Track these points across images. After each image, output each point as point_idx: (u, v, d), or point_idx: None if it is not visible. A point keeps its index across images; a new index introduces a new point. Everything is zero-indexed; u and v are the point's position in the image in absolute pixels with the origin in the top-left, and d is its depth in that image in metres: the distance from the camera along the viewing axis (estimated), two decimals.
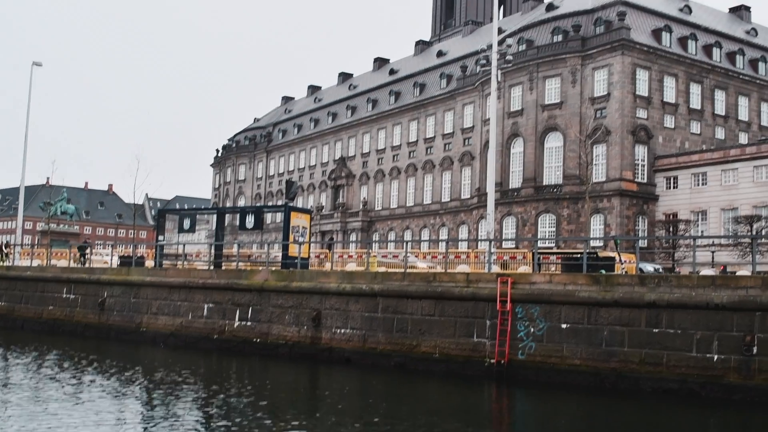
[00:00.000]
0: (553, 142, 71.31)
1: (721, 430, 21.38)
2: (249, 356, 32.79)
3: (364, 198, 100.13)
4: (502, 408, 24.41)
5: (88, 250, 49.71)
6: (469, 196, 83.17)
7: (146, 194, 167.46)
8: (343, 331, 31.34)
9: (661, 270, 29.56)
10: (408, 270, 31.70)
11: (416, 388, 26.65)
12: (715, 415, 22.25)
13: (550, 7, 79.90)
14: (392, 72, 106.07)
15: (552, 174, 71.12)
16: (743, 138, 74.34)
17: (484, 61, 41.89)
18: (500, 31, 45.10)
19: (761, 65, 78.64)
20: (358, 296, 31.34)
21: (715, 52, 75.02)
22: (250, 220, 39.70)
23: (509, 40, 42.25)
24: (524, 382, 26.34)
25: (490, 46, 40.63)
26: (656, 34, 71.31)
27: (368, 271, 33.71)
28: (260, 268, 37.30)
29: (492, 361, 27.20)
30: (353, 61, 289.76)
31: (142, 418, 20.41)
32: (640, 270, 32.83)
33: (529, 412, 23.92)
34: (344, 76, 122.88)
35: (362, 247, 64.20)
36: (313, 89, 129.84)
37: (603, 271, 27.89)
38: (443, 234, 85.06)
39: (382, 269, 34.99)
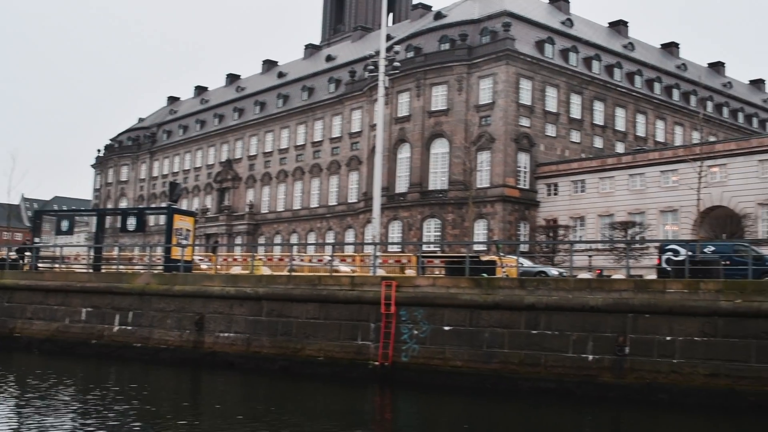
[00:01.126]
0: (439, 148, 72.38)
1: (595, 427, 22.11)
2: (129, 362, 31.96)
3: (251, 201, 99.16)
4: (385, 410, 24.58)
5: None
6: (356, 200, 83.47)
7: (22, 194, 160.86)
8: (226, 335, 30.94)
9: (564, 274, 30.35)
10: (294, 273, 31.58)
11: (300, 391, 26.55)
12: (589, 413, 23.01)
13: (439, 16, 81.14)
14: (281, 75, 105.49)
15: (438, 179, 72.17)
16: (620, 147, 77.27)
17: (372, 67, 42.18)
18: (389, 37, 45.54)
19: (637, 78, 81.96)
20: (242, 300, 31.01)
21: (595, 64, 77.75)
22: (131, 222, 38.74)
23: (397, 47, 42.75)
24: (407, 384, 26.61)
25: (378, 52, 40.94)
26: (539, 45, 73.36)
27: (253, 274, 33.40)
28: (142, 271, 36.44)
29: (376, 363, 27.37)
30: (241, 62, 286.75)
31: (9, 428, 19.57)
32: (544, 273, 33.63)
33: (411, 413, 24.18)
34: (232, 78, 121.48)
35: (247, 251, 63.51)
36: (200, 90, 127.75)
37: (485, 275, 28.45)
38: (330, 238, 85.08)
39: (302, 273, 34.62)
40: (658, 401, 23.18)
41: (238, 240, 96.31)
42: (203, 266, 40.73)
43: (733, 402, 22.45)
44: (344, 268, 38.54)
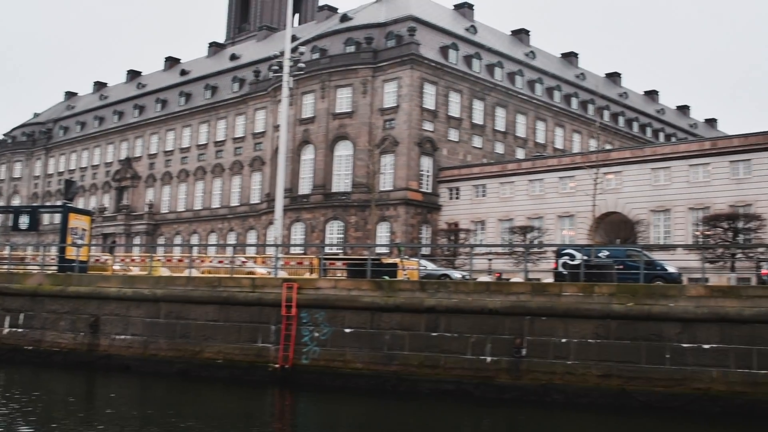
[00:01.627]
0: (343, 150, 72.43)
1: (492, 428, 22.47)
2: (20, 365, 30.87)
3: (150, 200, 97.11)
4: (285, 412, 24.42)
5: None
6: (258, 201, 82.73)
7: None
8: (123, 337, 30.21)
9: (467, 277, 30.72)
10: (193, 275, 31.08)
11: (198, 394, 26.15)
12: (487, 414, 23.36)
13: (345, 18, 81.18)
14: (184, 73, 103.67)
15: (341, 181, 72.19)
16: (520, 153, 78.89)
17: (276, 67, 41.86)
18: (294, 38, 45.23)
19: (538, 86, 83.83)
20: (139, 301, 30.36)
21: (497, 71, 79.16)
22: (24, 221, 37.42)
23: (303, 48, 42.53)
24: (308, 386, 26.51)
25: (283, 53, 40.68)
26: (444, 51, 74.22)
27: (151, 275, 32.71)
28: (34, 271, 35.25)
29: (276, 366, 27.18)
30: (143, 59, 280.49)
31: None
32: (448, 276, 33.94)
33: (311, 415, 24.09)
34: (133, 74, 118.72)
35: (146, 251, 62.16)
36: (99, 86, 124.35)
37: (386, 277, 28.58)
38: (231, 239, 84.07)
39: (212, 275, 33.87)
40: (553, 402, 23.73)
41: (137, 240, 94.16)
42: (116, 267, 39.50)
43: (624, 402, 23.17)
44: (260, 270, 38.12)
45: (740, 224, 50.22)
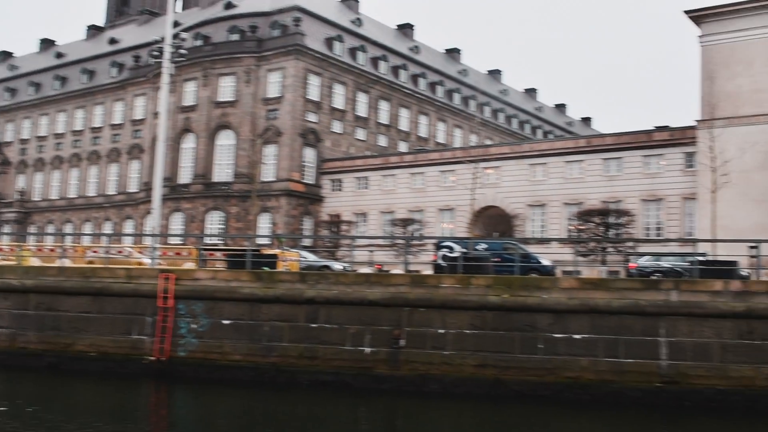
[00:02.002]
0: (225, 139, 71.41)
1: (370, 418, 22.62)
2: None
3: (21, 188, 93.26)
4: (160, 406, 23.92)
5: None
6: (136, 190, 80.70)
7: None
8: None
9: (348, 269, 30.78)
10: (65, 265, 30.00)
11: (69, 388, 25.29)
12: (365, 404, 23.51)
13: (229, 6, 79.96)
14: (59, 55, 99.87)
15: (223, 171, 71.20)
16: (403, 147, 79.68)
17: (157, 53, 40.82)
18: (177, 24, 44.31)
19: (421, 81, 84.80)
20: (7, 292, 29.07)
21: (382, 64, 79.62)
22: None
23: (185, 34, 41.60)
24: (185, 379, 26.00)
25: (164, 38, 39.71)
26: (329, 42, 74.11)
27: (20, 265, 31.40)
28: None
29: (152, 358, 26.55)
30: (16, 41, 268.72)
31: None
32: (329, 268, 33.87)
33: (187, 408, 23.68)
34: (4, 56, 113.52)
35: (15, 240, 59.69)
36: None
37: (266, 269, 28.35)
38: (108, 228, 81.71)
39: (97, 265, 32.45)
40: (431, 392, 24.07)
41: (6, 229, 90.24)
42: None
43: (499, 391, 23.72)
44: (146, 260, 36.90)
45: (611, 219, 52.20)
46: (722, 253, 33.24)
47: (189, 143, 73.18)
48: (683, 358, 23.07)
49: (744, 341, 22.92)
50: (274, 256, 30.80)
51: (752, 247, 27.85)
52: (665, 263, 33.74)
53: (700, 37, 51.00)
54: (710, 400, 22.41)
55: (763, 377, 22.49)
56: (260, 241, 61.05)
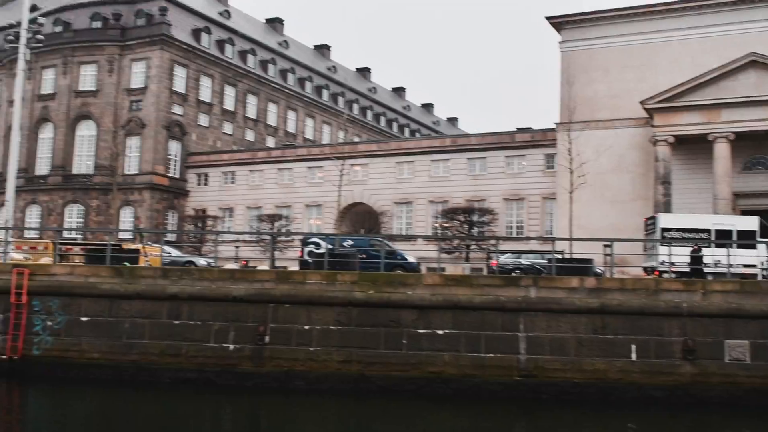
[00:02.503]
0: (86, 130, 68.95)
1: (233, 414, 22.35)
2: None
3: None
4: (12, 407, 22.84)
5: None
6: None
7: None
8: None
9: (212, 264, 30.19)
10: None
11: None
12: (229, 401, 23.22)
13: None
14: None
15: (83, 163, 68.73)
16: (270, 142, 79.07)
17: (12, 38, 38.92)
18: (34, 8, 42.34)
19: (290, 76, 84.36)
20: None
21: (250, 58, 78.69)
22: None
23: (43, 19, 39.84)
24: (39, 378, 24.98)
25: (20, 22, 37.93)
26: (196, 33, 72.66)
27: None
28: None
29: (3, 357, 25.36)
30: None
31: None
32: (193, 263, 33.14)
33: (41, 409, 22.72)
34: None
35: None
36: None
37: (127, 264, 27.57)
38: None
39: None
40: (296, 388, 24.01)
41: None
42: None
43: (364, 386, 23.87)
44: (17, 256, 35.04)
45: (475, 217, 53.46)
46: (579, 251, 34.60)
47: (47, 133, 70.26)
48: (541, 353, 23.88)
49: (598, 336, 23.93)
50: (136, 251, 30.00)
51: (606, 246, 29.15)
52: (525, 261, 34.85)
53: (560, 42, 52.89)
54: (566, 392, 23.28)
55: (616, 370, 23.55)
56: (122, 235, 59.31)
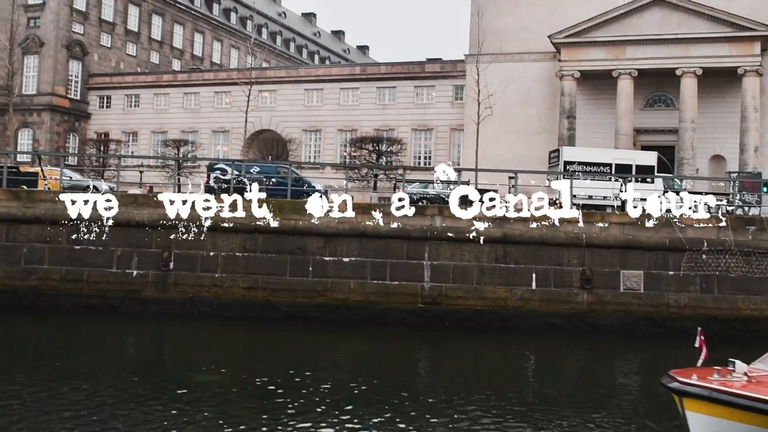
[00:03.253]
0: None
1: (137, 339, 22.17)
2: None
3: None
4: None
5: None
6: None
7: None
8: None
9: (115, 189, 29.36)
10: None
11: None
12: (132, 327, 23.03)
13: None
14: None
15: None
16: (176, 65, 76.91)
17: None
18: None
19: None
20: None
21: None
22: None
23: None
24: None
25: None
26: None
27: None
28: None
29: None
30: None
31: None
32: (95, 188, 32.05)
33: None
34: None
35: None
36: None
37: (24, 187, 26.72)
38: None
39: None
40: (200, 314, 23.98)
41: None
42: None
43: (270, 312, 24.01)
44: None
45: (383, 147, 53.53)
46: (484, 182, 35.10)
47: None
48: (445, 281, 24.36)
49: (500, 264, 24.53)
50: (35, 174, 29.05)
51: (511, 177, 29.65)
52: (432, 191, 35.19)
53: None
54: (468, 319, 23.89)
55: (516, 298, 24.26)
56: (20, 158, 57.25)
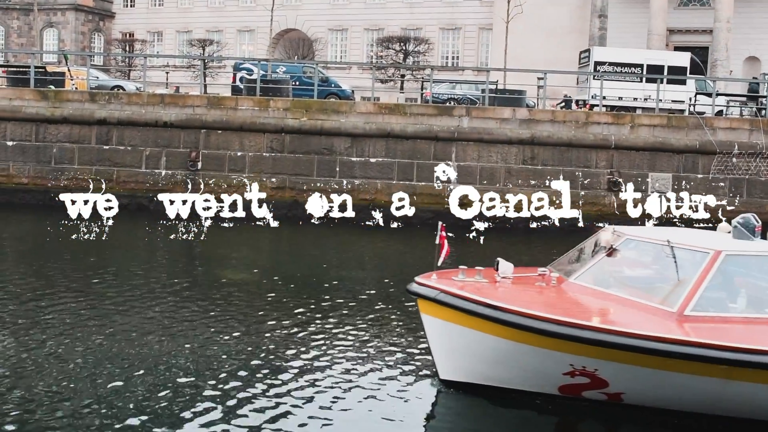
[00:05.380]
0: None
1: (165, 238, 22.49)
2: None
3: None
4: None
5: None
6: None
7: None
8: None
9: (141, 89, 29.27)
10: None
11: None
12: (163, 226, 23.31)
13: None
14: None
15: None
16: None
17: None
18: None
19: None
20: None
21: None
22: None
23: None
24: None
25: None
26: None
27: None
28: None
29: None
30: None
31: None
32: (122, 88, 32.06)
33: None
34: None
35: None
36: None
37: (52, 87, 26.77)
38: None
39: None
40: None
41: None
42: None
43: (296, 213, 24.17)
44: None
45: (410, 47, 52.79)
46: (512, 83, 34.65)
47: None
48: (471, 182, 24.36)
49: (527, 166, 24.45)
50: (62, 74, 29.04)
51: (539, 78, 29.23)
52: (459, 91, 34.85)
53: None
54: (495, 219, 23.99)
55: (537, 199, 24.22)
56: (46, 58, 57.16)
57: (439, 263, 9.74)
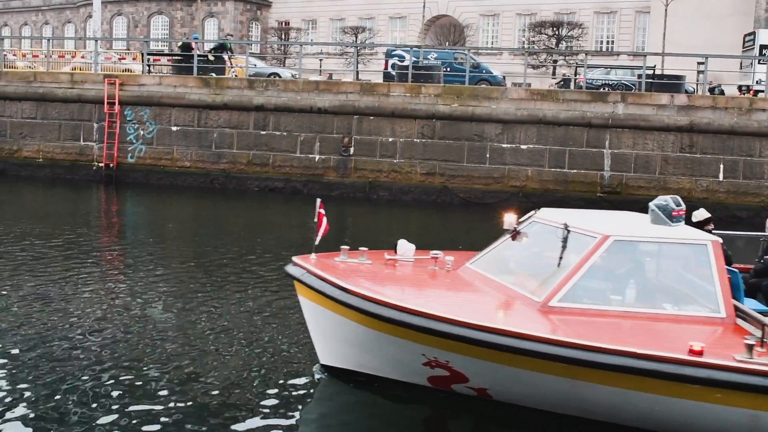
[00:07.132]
0: None
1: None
2: None
3: None
4: (112, 210, 23.98)
5: None
6: None
7: None
8: None
9: (297, 76, 30.12)
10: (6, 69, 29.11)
11: (19, 193, 25.20)
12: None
13: None
14: None
15: None
16: None
17: None
18: None
19: None
20: None
21: None
22: None
23: None
24: (135, 185, 26.16)
25: None
26: None
27: None
28: None
29: (101, 164, 26.54)
30: None
31: None
32: (278, 75, 33.16)
33: (139, 212, 23.82)
34: None
35: None
36: None
37: (213, 75, 27.90)
38: (47, 33, 78.71)
39: None
40: (379, 198, 24.64)
41: None
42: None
43: (446, 198, 24.33)
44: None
45: (563, 32, 51.82)
46: (671, 68, 33.46)
47: None
48: (626, 170, 23.75)
49: (685, 154, 23.57)
50: (222, 61, 30.21)
51: (700, 63, 28.08)
52: (614, 76, 33.94)
53: None
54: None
55: (701, 189, 23.35)
56: (207, 47, 59.51)
57: (317, 242, 9.14)
